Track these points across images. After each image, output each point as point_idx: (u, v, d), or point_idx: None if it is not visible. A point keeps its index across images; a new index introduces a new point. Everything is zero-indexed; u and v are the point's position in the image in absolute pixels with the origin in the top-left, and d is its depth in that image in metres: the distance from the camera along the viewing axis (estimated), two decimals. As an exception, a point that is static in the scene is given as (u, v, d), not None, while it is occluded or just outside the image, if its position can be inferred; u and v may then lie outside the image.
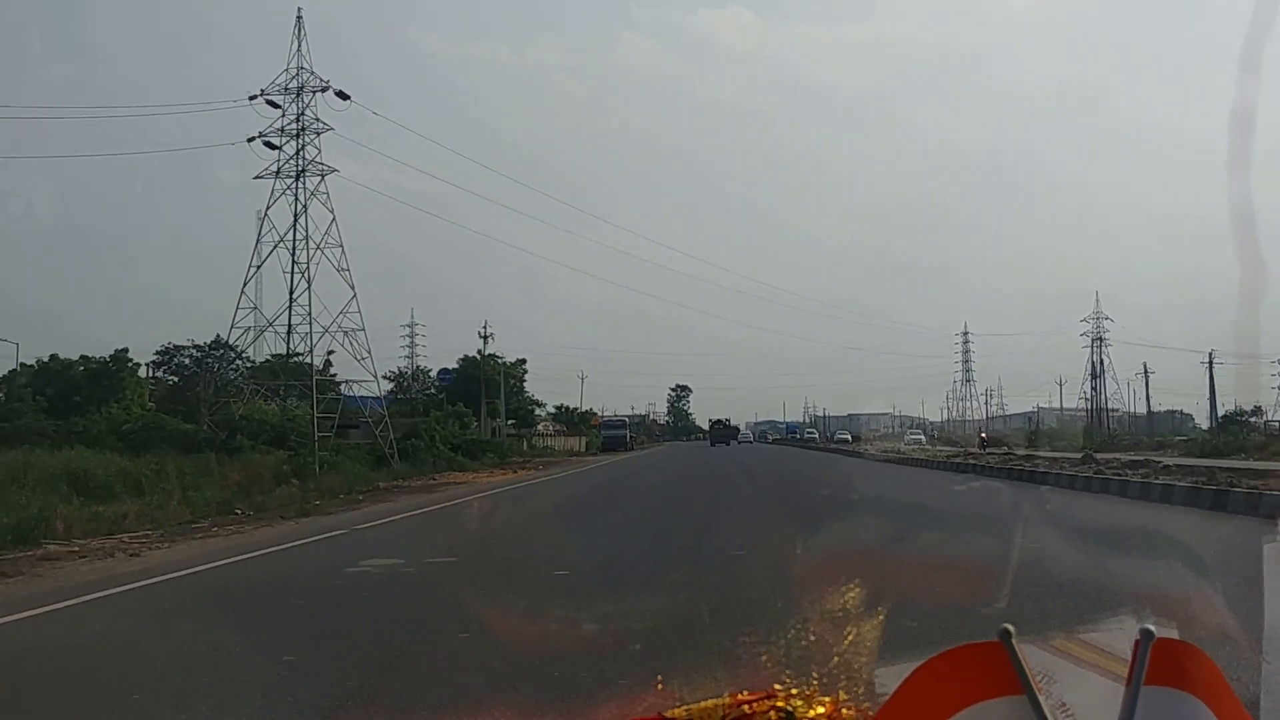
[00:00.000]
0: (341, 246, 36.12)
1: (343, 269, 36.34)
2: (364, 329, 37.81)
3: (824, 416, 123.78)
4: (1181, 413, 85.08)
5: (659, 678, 1.57)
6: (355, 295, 36.87)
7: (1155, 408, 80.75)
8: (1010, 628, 0.99)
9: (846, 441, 74.61)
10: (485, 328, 61.83)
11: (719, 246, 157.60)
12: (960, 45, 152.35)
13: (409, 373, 69.36)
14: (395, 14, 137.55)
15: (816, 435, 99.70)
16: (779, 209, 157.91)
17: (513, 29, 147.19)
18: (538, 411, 74.05)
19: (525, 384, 69.38)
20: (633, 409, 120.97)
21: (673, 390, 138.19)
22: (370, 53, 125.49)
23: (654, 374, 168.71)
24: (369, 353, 37.27)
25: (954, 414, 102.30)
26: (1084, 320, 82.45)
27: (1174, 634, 1.07)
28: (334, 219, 36.37)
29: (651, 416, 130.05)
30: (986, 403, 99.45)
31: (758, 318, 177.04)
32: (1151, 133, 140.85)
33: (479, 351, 61.70)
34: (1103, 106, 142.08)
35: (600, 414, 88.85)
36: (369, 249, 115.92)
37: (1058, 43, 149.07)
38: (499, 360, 63.43)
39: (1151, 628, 1.01)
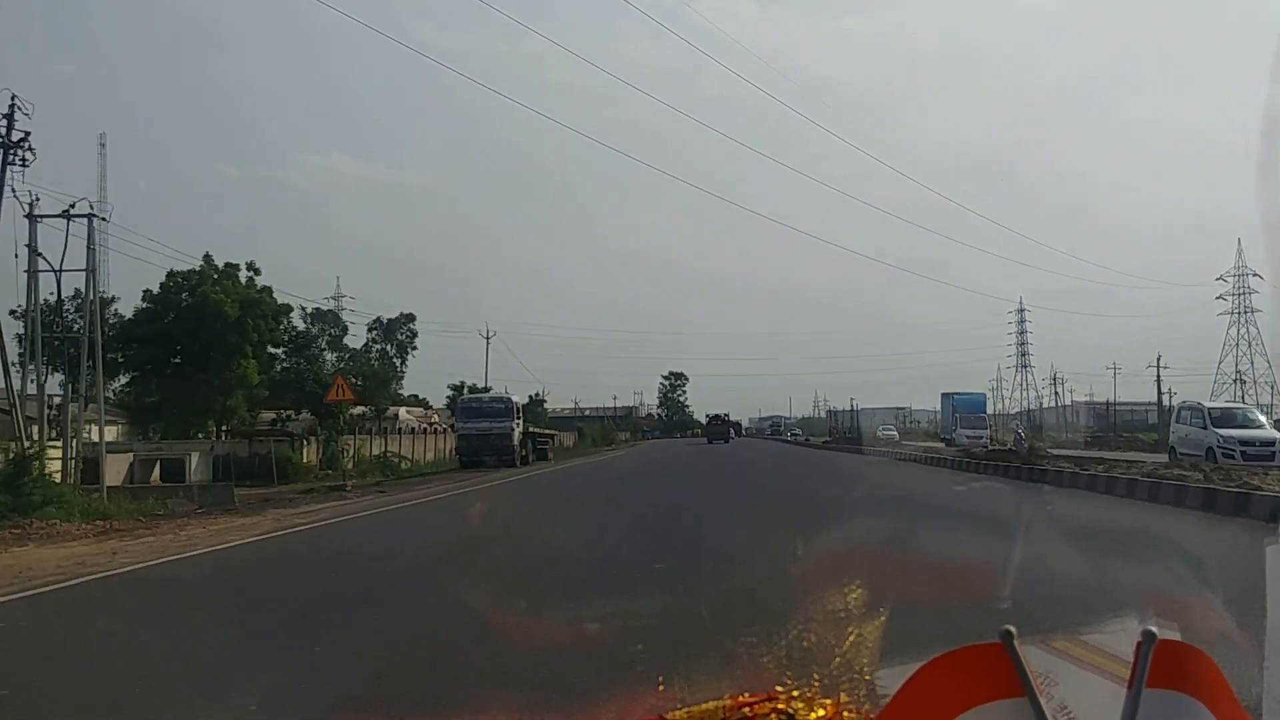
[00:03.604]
0: None
1: None
2: None
3: (855, 409, 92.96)
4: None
5: (660, 679, 1.56)
6: None
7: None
8: (1012, 629, 0.99)
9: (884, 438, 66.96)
10: (103, 141, 27.77)
11: (718, 237, 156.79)
12: (962, 37, 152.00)
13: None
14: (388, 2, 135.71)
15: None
16: (781, 202, 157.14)
17: (506, 18, 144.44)
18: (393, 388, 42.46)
19: (411, 354, 41.88)
20: (615, 399, 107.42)
21: (665, 379, 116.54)
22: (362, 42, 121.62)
23: (647, 361, 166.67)
24: None
25: (1015, 405, 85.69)
26: (1220, 279, 63.18)
27: (1176, 636, 1.07)
28: None
29: (645, 410, 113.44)
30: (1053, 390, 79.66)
31: (757, 310, 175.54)
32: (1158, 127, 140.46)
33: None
34: (1108, 100, 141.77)
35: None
36: (363, 241, 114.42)
37: (1059, 34, 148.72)
38: (229, 274, 33.24)
39: (1154, 629, 1.00)
